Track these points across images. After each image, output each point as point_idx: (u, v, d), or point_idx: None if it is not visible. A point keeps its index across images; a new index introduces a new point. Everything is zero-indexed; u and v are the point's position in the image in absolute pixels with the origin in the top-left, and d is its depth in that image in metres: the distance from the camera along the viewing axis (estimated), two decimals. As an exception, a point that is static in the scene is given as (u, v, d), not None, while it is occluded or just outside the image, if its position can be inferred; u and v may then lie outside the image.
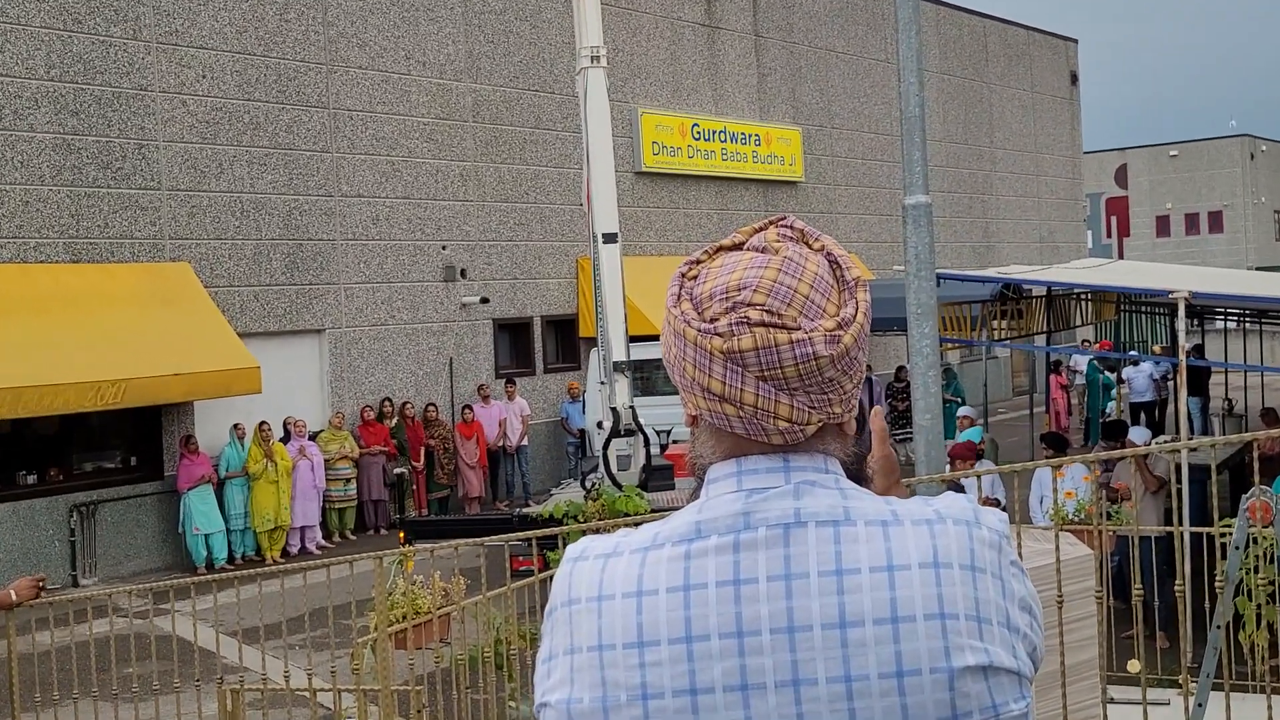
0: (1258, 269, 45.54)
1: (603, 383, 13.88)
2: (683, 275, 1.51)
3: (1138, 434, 11.67)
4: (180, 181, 17.01)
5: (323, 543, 17.51)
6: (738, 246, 1.52)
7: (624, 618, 1.44)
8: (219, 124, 17.46)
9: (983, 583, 1.44)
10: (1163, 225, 66.32)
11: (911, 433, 23.60)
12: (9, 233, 15.37)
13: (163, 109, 16.86)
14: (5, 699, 7.67)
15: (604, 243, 13.66)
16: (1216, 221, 64.82)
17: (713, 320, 1.45)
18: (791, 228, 1.53)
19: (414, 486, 18.95)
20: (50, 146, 15.73)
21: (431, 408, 19.41)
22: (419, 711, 6.49)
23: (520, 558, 12.31)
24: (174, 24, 17.00)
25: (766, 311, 1.43)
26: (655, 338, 19.62)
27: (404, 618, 7.47)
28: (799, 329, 1.43)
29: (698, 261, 1.53)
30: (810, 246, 1.51)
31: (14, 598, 6.38)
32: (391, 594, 7.66)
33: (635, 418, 13.67)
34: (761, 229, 1.53)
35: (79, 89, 16.03)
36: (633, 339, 14.69)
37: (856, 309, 1.47)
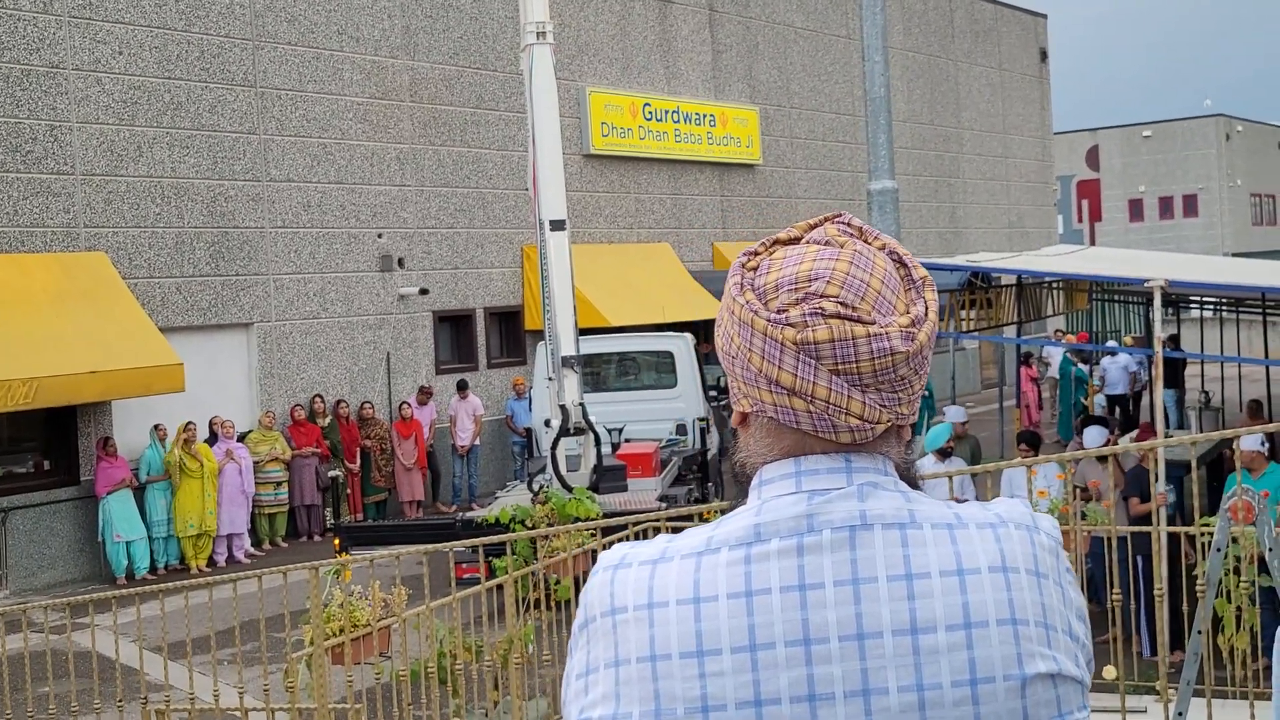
0: (1234, 255, 46.17)
1: (550, 378, 13.85)
2: (742, 266, 1.54)
3: (1092, 435, 11.74)
4: (95, 166, 16.81)
5: (252, 551, 17.38)
6: (795, 240, 1.55)
7: (680, 626, 1.43)
8: (137, 104, 17.26)
9: (1047, 589, 1.48)
10: (1135, 209, 67.08)
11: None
12: (-90, 221, 15.15)
13: (76, 88, 16.64)
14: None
15: (551, 230, 13.63)
16: (1191, 205, 65.63)
17: (781, 310, 1.47)
18: (850, 224, 1.56)
19: (349, 490, 18.86)
20: (-46, 128, 15.50)
21: (367, 406, 19.32)
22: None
23: (464, 565, 12.28)
24: (88, -4, 16.80)
25: (841, 304, 1.46)
26: (604, 330, 19.76)
27: (340, 631, 7.43)
28: (874, 323, 1.46)
29: (755, 254, 1.55)
30: (869, 244, 1.54)
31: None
32: (328, 606, 7.61)
33: (585, 415, 13.65)
34: (818, 224, 1.56)
35: (-15, 66, 15.81)
36: (582, 332, 14.68)
37: (926, 308, 1.51)
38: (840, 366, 1.46)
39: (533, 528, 10.48)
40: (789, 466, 1.50)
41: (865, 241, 1.54)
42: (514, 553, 9.34)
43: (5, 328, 15.02)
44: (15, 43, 16.05)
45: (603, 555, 1.55)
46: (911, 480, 1.56)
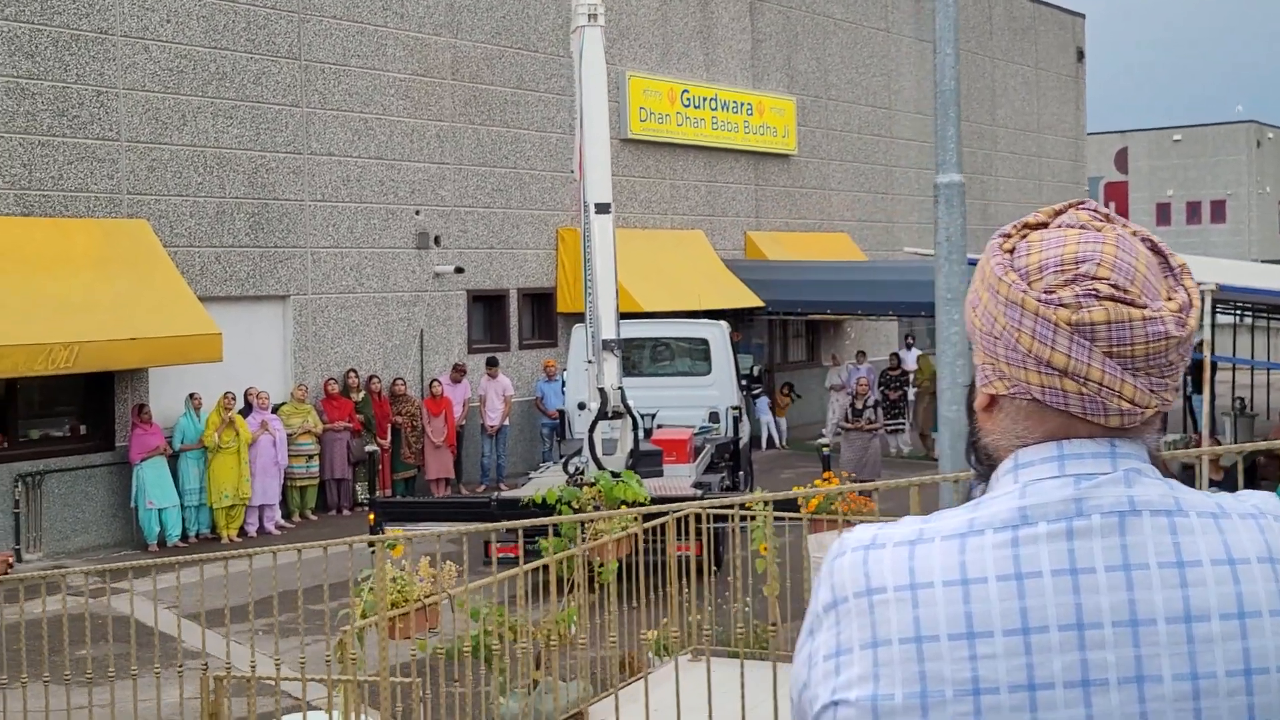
0: (1262, 262, 45.92)
1: (590, 361, 13.82)
2: (999, 248, 1.54)
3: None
4: (140, 133, 16.83)
5: (282, 523, 17.44)
6: (1043, 225, 1.54)
7: (948, 607, 1.42)
8: (183, 72, 17.28)
9: None
10: (1163, 213, 66.76)
11: (903, 423, 23.58)
12: (-43, 181, 15.19)
13: (124, 54, 16.66)
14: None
15: (596, 213, 13.57)
16: (1219, 211, 65.30)
17: (1049, 291, 1.46)
18: (1097, 211, 1.54)
19: (379, 465, 18.88)
20: (2, 90, 15.52)
21: (399, 382, 19.34)
22: (420, 701, 6.47)
23: (500, 545, 12.28)
24: (138, -37, 16.81)
25: (1113, 286, 1.45)
26: (636, 315, 19.70)
27: (393, 605, 7.43)
28: (1147, 307, 1.45)
29: (1008, 235, 1.55)
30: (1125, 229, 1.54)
31: (-19, 574, 6.32)
32: (378, 579, 7.61)
33: (624, 399, 13.61)
34: (1063, 210, 1.55)
35: (35, 30, 15.81)
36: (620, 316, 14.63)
37: (1189, 295, 1.50)
38: (1115, 349, 1.45)
39: (579, 511, 10.46)
40: (1051, 450, 1.49)
41: (1117, 226, 1.53)
42: (559, 534, 9.31)
43: (47, 291, 15.06)
44: (65, 7, 16.07)
45: (847, 536, 1.53)
46: (1163, 466, 1.55)
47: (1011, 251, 1.52)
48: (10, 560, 6.43)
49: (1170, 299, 1.48)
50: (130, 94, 16.73)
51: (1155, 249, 1.53)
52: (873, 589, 1.46)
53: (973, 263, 13.96)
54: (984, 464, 1.58)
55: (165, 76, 17.09)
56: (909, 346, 25.69)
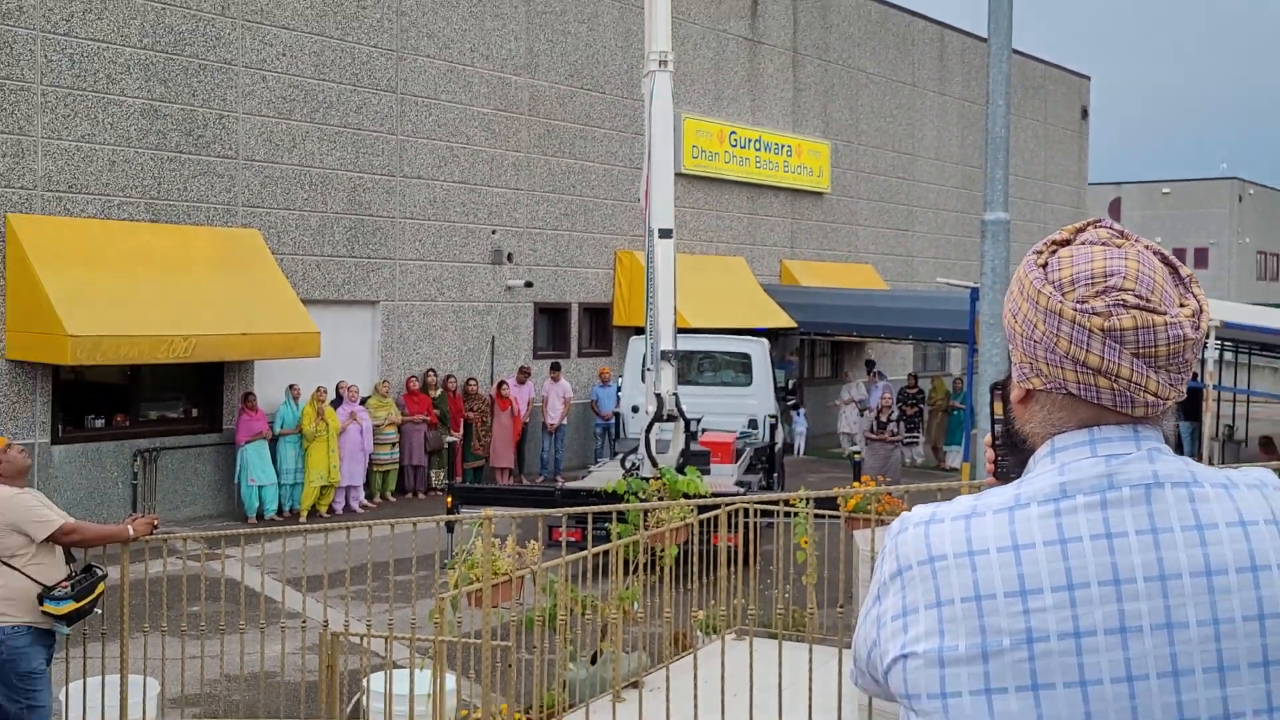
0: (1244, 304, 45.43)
1: (649, 369, 13.81)
2: (1035, 264, 1.60)
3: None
4: (255, 153, 16.98)
5: (365, 503, 17.50)
6: (1067, 241, 1.61)
7: (1003, 570, 1.48)
8: (294, 101, 17.42)
9: None
10: (1151, 258, 66.09)
11: (918, 437, 23.36)
12: (96, 189, 15.34)
13: (244, 83, 16.82)
14: (115, 623, 7.65)
15: (660, 237, 13.56)
16: (1203, 258, 64.68)
17: (1082, 301, 1.53)
18: (1113, 228, 1.61)
19: (454, 455, 18.92)
20: (138, 111, 15.69)
21: (472, 382, 19.39)
22: (510, 666, 6.48)
23: (557, 529, 12.27)
24: (260, 3, 16.96)
25: (1138, 296, 1.52)
26: (684, 330, 19.66)
27: (480, 578, 7.44)
28: (1167, 313, 1.52)
29: (1039, 252, 1.61)
30: (1140, 244, 1.60)
31: (131, 533, 6.39)
32: (470, 554, 7.64)
33: (678, 404, 13.60)
34: (1083, 228, 1.62)
35: (168, 59, 15.99)
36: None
37: (1198, 302, 1.57)
38: (1141, 350, 1.52)
39: (645, 501, 10.46)
40: (1083, 435, 1.56)
41: (1134, 243, 1.59)
42: (625, 520, 9.32)
43: (169, 289, 15.20)
44: (195, 39, 16.24)
45: (907, 515, 1.59)
46: (1177, 448, 1.62)
47: (1045, 266, 1.58)
48: (156, 522, 6.51)
49: (1183, 305, 1.55)
50: (248, 118, 16.89)
51: (1166, 261, 1.58)
52: (934, 557, 1.52)
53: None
54: (1019, 448, 1.64)
55: (279, 104, 17.24)
56: (870, 369, 25.29)
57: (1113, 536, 1.48)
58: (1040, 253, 1.60)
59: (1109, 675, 1.44)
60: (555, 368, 20.55)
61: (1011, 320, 1.61)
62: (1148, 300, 1.51)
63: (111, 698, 7.27)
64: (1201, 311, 1.55)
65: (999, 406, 1.80)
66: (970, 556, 1.50)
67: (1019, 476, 1.73)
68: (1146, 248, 1.58)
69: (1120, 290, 1.51)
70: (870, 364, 25.55)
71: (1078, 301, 1.52)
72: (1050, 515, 1.50)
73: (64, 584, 6.06)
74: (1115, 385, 1.52)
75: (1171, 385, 1.54)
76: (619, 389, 18.35)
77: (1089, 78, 38.93)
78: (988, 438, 1.85)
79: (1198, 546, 1.48)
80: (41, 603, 6.00)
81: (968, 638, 1.47)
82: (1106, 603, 1.46)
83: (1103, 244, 1.57)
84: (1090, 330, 1.51)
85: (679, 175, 23.46)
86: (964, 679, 1.46)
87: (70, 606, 6.03)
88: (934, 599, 1.50)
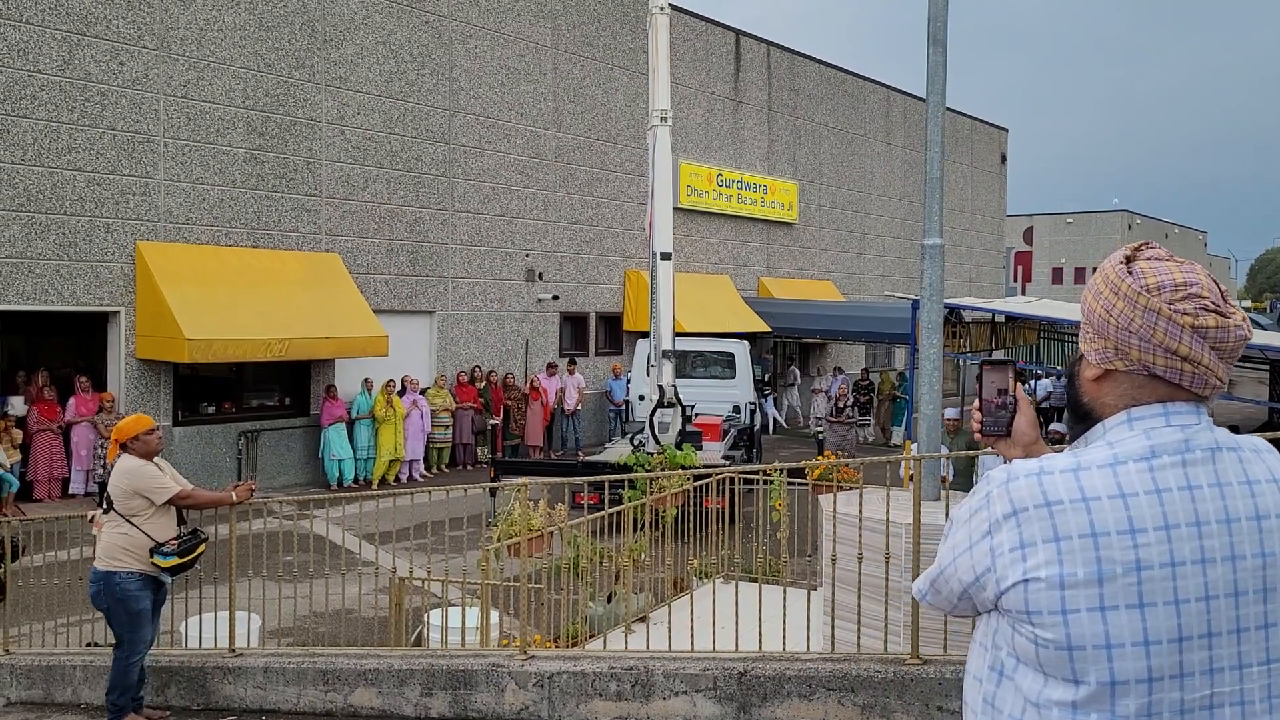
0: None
1: (652, 365, 13.81)
2: (1125, 273, 1.60)
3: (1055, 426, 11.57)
4: (335, 192, 16.99)
5: (424, 473, 17.49)
6: (1132, 258, 1.63)
7: (1114, 513, 1.51)
8: (366, 150, 17.43)
9: None
10: (1057, 275, 66.04)
11: (869, 420, 23.25)
12: (208, 222, 15.37)
13: (326, 136, 16.83)
14: (225, 569, 7.66)
15: (661, 259, 13.56)
16: (1099, 275, 64.48)
17: (1171, 303, 1.56)
18: (1162, 249, 1.64)
19: (496, 435, 18.93)
20: (241, 159, 15.71)
21: (510, 376, 19.38)
22: (541, 605, 6.48)
23: (580, 494, 12.26)
24: (339, 72, 16.96)
25: (1213, 302, 1.56)
26: (680, 334, 19.66)
27: (518, 533, 7.45)
28: (1232, 317, 1.56)
29: (1123, 263, 1.62)
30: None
31: (234, 498, 6.39)
32: (509, 514, 7.65)
33: (676, 393, 13.59)
34: (1139, 247, 1.64)
35: (265, 116, 16.00)
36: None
37: (1240, 312, 1.60)
38: (1216, 344, 1.56)
39: (649, 471, 10.44)
40: (1158, 409, 1.59)
41: (1191, 262, 1.62)
42: (634, 487, 9.32)
43: (267, 301, 15.22)
44: (287, 100, 16.25)
45: (1013, 467, 1.58)
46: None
47: (1131, 274, 1.60)
48: (254, 488, 6.50)
49: (1235, 312, 1.58)
50: (329, 164, 16.90)
51: (1211, 278, 1.61)
52: (1050, 501, 1.53)
53: (947, 306, 13.79)
54: (1081, 415, 1.64)
55: (354, 153, 17.24)
56: (837, 374, 25.24)
57: (1193, 488, 1.52)
58: (1123, 263, 1.62)
59: (1194, 595, 1.49)
60: (571, 363, 20.54)
61: (1106, 315, 1.61)
62: (1219, 306, 1.56)
63: (222, 629, 7.29)
64: (1244, 317, 1.59)
65: (1013, 384, 1.79)
66: (1085, 502, 1.51)
67: (1001, 435, 1.77)
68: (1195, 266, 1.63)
69: (1200, 297, 1.55)
70: (838, 368, 25.48)
71: (1168, 303, 1.55)
72: (1145, 470, 1.53)
73: (172, 541, 6.05)
74: (1196, 370, 1.56)
75: (1228, 373, 1.59)
76: (628, 381, 18.34)
77: (1007, 129, 38.82)
78: (975, 404, 1.86)
79: (1250, 497, 1.54)
80: (152, 555, 6.00)
81: (1085, 566, 1.49)
82: (1192, 539, 1.50)
83: (1169, 259, 1.61)
84: (1182, 326, 1.55)
85: (676, 209, 23.51)
86: (1081, 599, 1.48)
87: (174, 561, 6.01)
88: (1052, 535, 1.51)
